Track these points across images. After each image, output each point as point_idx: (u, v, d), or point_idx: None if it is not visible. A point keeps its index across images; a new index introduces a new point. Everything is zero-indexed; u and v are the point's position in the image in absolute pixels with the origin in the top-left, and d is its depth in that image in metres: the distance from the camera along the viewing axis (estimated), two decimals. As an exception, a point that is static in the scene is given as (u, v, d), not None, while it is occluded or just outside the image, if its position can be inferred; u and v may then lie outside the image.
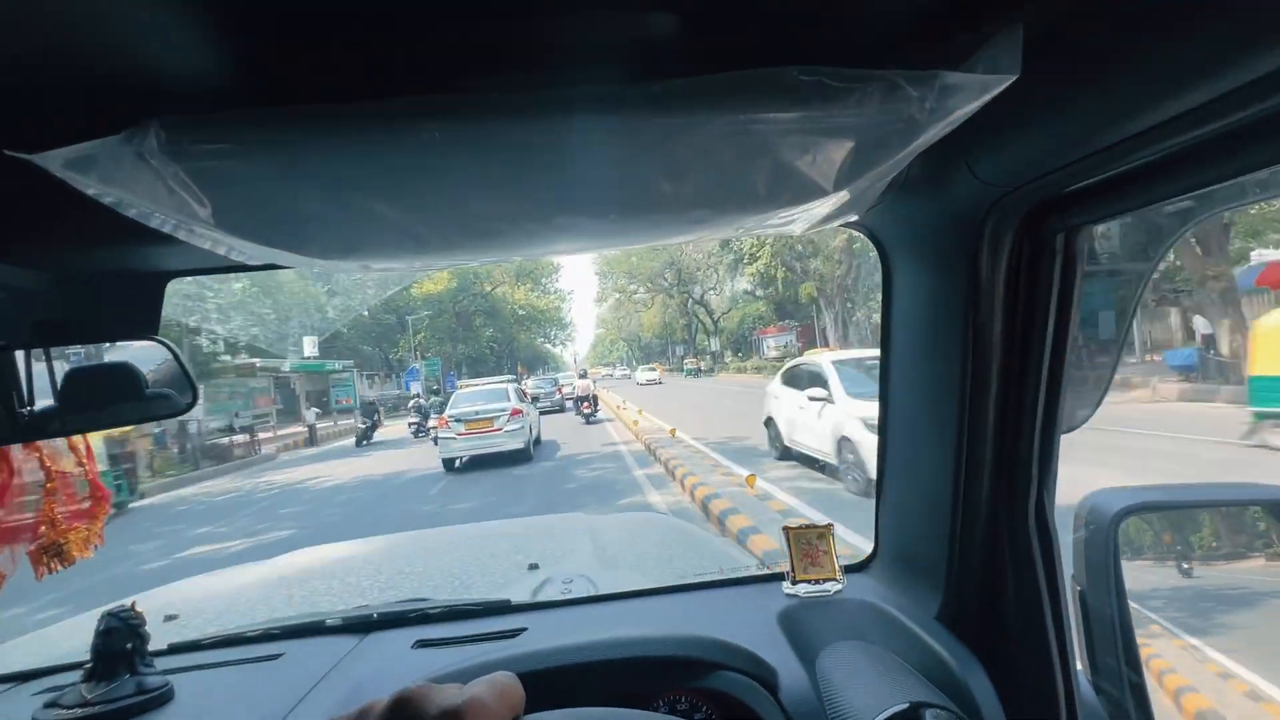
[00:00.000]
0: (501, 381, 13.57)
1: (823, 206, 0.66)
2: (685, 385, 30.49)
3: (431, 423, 14.03)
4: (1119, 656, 0.85)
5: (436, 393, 24.26)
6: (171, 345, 0.84)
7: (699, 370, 41.08)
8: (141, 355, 0.90)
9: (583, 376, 19.58)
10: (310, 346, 25.24)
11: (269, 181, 0.53)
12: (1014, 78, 0.49)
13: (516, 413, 10.99)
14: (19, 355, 0.80)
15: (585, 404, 16.54)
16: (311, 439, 19.02)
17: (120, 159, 0.48)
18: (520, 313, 41.67)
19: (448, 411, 11.26)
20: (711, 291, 45.57)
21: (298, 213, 0.58)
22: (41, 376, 0.83)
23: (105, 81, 0.50)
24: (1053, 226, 0.72)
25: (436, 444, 11.36)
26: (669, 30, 0.54)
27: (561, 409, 20.05)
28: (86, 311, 0.81)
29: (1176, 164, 0.56)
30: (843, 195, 0.63)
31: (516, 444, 10.86)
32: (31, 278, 0.73)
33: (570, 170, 0.57)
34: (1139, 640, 0.95)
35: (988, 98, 0.50)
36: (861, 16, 0.54)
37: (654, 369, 38.31)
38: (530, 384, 22.64)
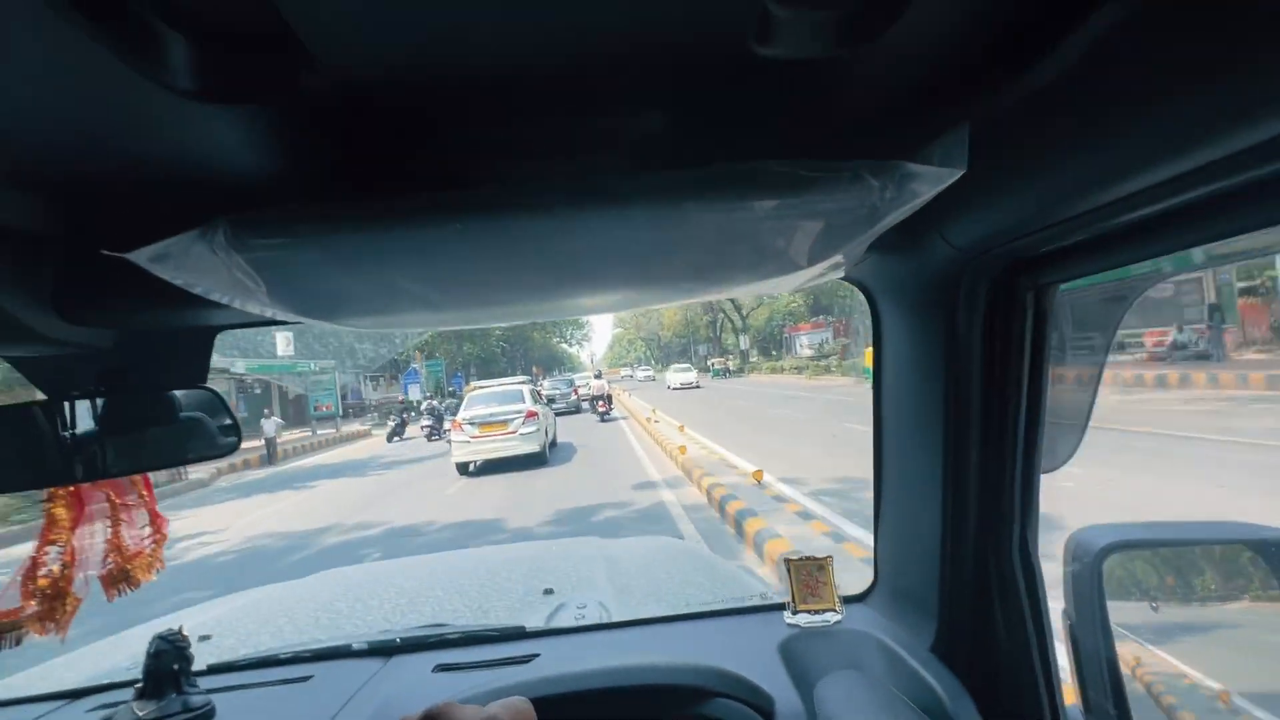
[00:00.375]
0: (516, 382, 13.07)
1: (808, 271, 0.72)
2: (719, 388, 27.56)
3: (447, 425, 13.67)
4: (1105, 690, 0.89)
5: (454, 394, 22.14)
6: (220, 394, 0.93)
7: (727, 370, 38.06)
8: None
9: (598, 377, 21.25)
10: (285, 344, 20.63)
11: (313, 265, 0.62)
12: (961, 171, 0.55)
13: (532, 415, 10.70)
14: (69, 405, 0.90)
15: (601, 403, 17.87)
16: (269, 456, 16.00)
17: (192, 252, 0.57)
18: (532, 308, 40.49)
19: (460, 414, 10.97)
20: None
21: (334, 288, 0.67)
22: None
23: (182, 187, 0.60)
24: (1023, 285, 0.78)
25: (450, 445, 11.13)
26: (661, 130, 0.62)
27: (578, 410, 20.20)
28: (144, 363, 0.90)
29: (1137, 232, 0.60)
30: (823, 263, 0.70)
31: (531, 447, 10.54)
32: (97, 335, 0.82)
33: (573, 252, 0.64)
34: (1139, 667, 0.98)
35: (941, 187, 0.57)
36: (826, 113, 0.61)
37: (689, 369, 33.63)
38: (546, 385, 22.23)
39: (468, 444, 10.48)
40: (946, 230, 0.74)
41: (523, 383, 12.82)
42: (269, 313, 0.69)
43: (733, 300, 40.35)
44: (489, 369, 34.54)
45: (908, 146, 0.61)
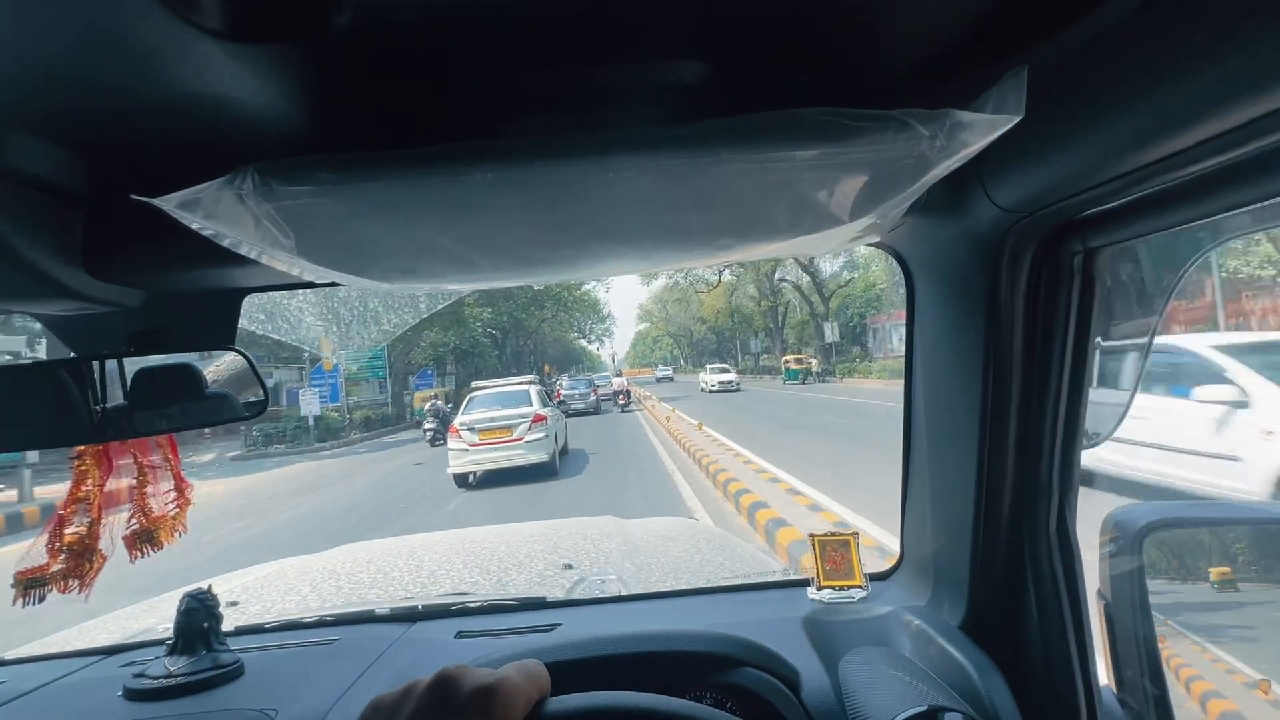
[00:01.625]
0: (521, 382, 11.55)
1: (845, 232, 0.70)
2: (848, 407, 15.96)
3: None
4: (1142, 671, 0.86)
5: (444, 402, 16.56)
6: (248, 355, 0.93)
7: (808, 372, 27.46)
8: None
9: (618, 375, 25.96)
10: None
11: (342, 217, 0.61)
12: (1018, 118, 0.52)
13: (539, 419, 9.42)
14: (99, 365, 0.90)
15: (621, 397, 22.06)
16: None
17: (221, 199, 0.56)
18: (535, 287, 29.05)
19: (458, 418, 9.72)
20: (835, 255, 28.20)
21: (364, 242, 0.65)
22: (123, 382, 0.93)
23: (209, 134, 0.59)
24: (1070, 248, 0.74)
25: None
26: (697, 77, 0.59)
27: (596, 410, 20.66)
28: (173, 324, 0.90)
29: (1195, 190, 0.57)
30: (864, 220, 0.67)
31: (539, 456, 9.27)
32: (127, 294, 0.82)
33: (606, 205, 0.62)
34: (1170, 650, 0.95)
35: (995, 135, 0.54)
36: (873, 59, 0.58)
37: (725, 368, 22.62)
38: (565, 383, 22.38)
39: (465, 453, 9.23)
40: (992, 189, 0.71)
41: (529, 383, 11.39)
42: (298, 270, 0.68)
43: (814, 274, 32.91)
44: (474, 365, 27.16)
45: (959, 95, 0.57)
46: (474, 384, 12.62)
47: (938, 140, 0.55)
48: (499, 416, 9.46)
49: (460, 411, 10.14)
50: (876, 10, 0.51)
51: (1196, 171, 0.54)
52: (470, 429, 9.36)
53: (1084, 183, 0.62)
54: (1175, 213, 0.60)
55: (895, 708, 0.79)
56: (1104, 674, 0.89)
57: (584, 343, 54.58)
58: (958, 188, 0.73)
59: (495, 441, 9.27)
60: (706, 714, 0.48)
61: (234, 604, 1.52)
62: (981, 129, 0.53)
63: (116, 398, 0.91)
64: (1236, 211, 0.57)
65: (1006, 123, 0.53)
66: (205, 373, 0.96)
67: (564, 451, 11.00)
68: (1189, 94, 0.47)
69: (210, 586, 1.08)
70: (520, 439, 9.27)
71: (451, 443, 9.49)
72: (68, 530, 0.92)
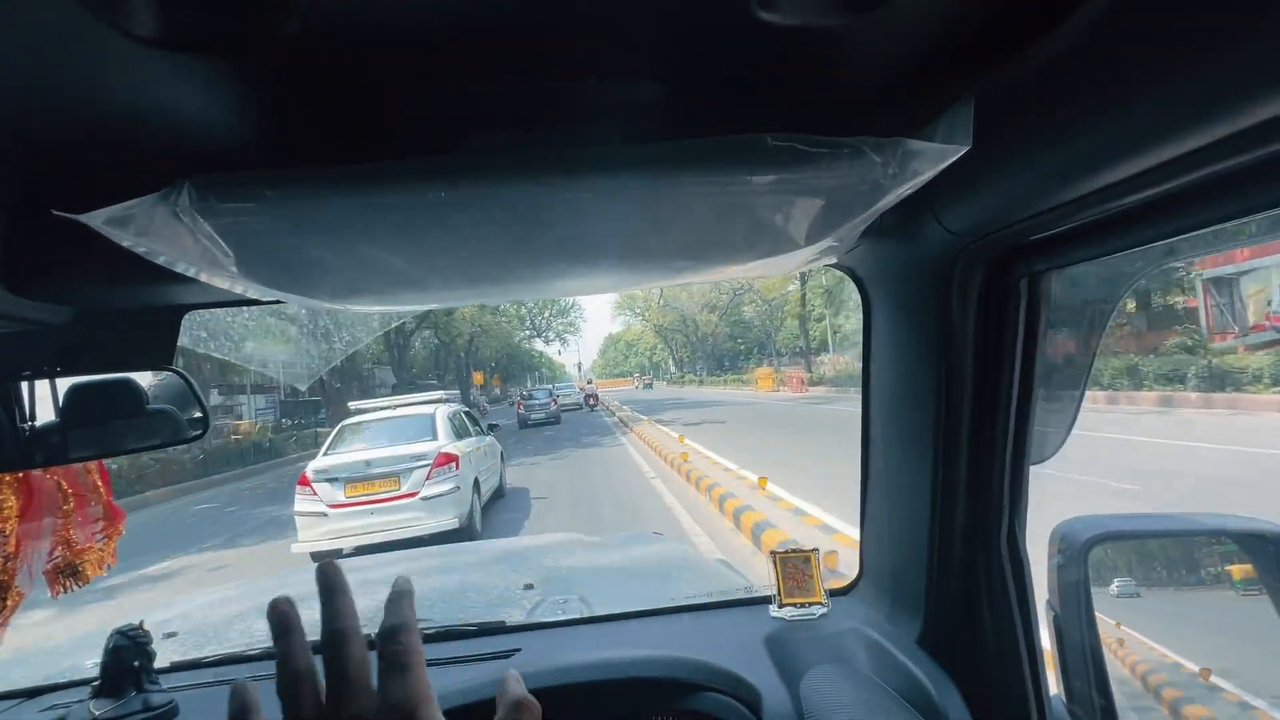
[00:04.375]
0: (427, 401, 7.55)
1: (802, 254, 0.70)
2: None
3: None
4: (1089, 680, 0.89)
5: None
6: (187, 376, 0.88)
7: None
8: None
9: (589, 383, 31.13)
10: None
11: (286, 234, 0.58)
12: (966, 148, 0.54)
13: (445, 461, 6.13)
14: (26, 385, 0.85)
15: (591, 399, 25.75)
16: None
17: (155, 215, 0.53)
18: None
19: (314, 463, 6.25)
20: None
21: (310, 261, 0.63)
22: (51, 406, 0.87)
23: (141, 146, 0.56)
24: (1017, 272, 0.77)
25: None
26: (656, 97, 0.59)
27: (557, 420, 21.04)
28: (106, 344, 0.85)
29: (1134, 218, 0.59)
30: (820, 244, 0.68)
31: (443, 520, 5.93)
32: (53, 311, 0.77)
33: (562, 224, 0.62)
34: (1123, 651, 0.98)
35: (944, 164, 0.55)
36: (828, 86, 0.59)
37: None
38: (524, 396, 22.68)
39: (323, 519, 5.87)
40: (943, 214, 0.73)
41: (438, 401, 7.45)
42: (240, 289, 0.65)
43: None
44: (342, 379, 17.19)
45: (910, 123, 0.59)
46: (351, 404, 8.40)
47: (890, 168, 0.56)
48: (379, 460, 6.10)
49: (322, 452, 6.62)
50: (831, 40, 0.52)
51: (1134, 201, 0.56)
52: (330, 479, 5.92)
53: (1029, 210, 0.64)
54: (1115, 239, 0.62)
55: None
56: (1054, 684, 0.92)
57: (540, 344, 41.65)
58: (910, 212, 0.75)
59: (371, 499, 5.92)
60: None
61: (172, 635, 1.44)
62: (931, 158, 0.55)
63: (49, 419, 0.85)
64: (1172, 240, 0.59)
65: (955, 152, 0.54)
66: None
67: (499, 494, 7.88)
68: (1126, 128, 0.49)
69: (143, 623, 1.01)
70: (413, 494, 5.95)
71: (300, 503, 5.98)
72: (-20, 565, 0.85)
